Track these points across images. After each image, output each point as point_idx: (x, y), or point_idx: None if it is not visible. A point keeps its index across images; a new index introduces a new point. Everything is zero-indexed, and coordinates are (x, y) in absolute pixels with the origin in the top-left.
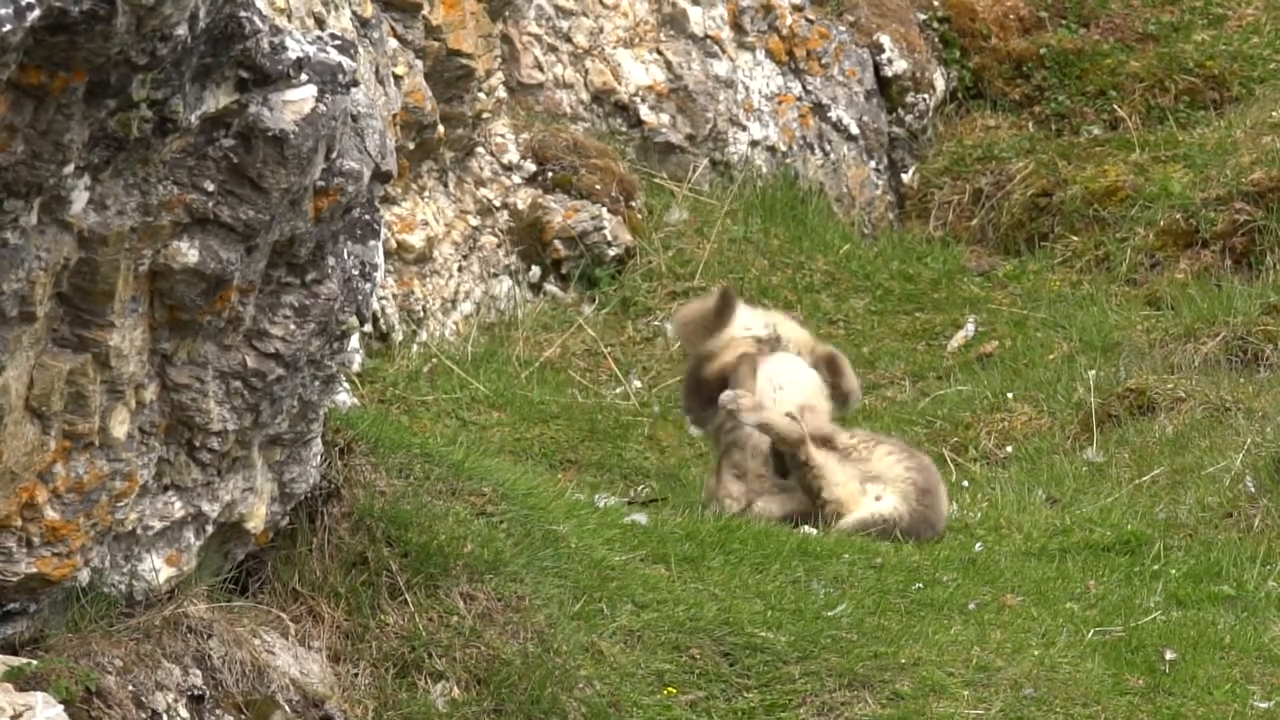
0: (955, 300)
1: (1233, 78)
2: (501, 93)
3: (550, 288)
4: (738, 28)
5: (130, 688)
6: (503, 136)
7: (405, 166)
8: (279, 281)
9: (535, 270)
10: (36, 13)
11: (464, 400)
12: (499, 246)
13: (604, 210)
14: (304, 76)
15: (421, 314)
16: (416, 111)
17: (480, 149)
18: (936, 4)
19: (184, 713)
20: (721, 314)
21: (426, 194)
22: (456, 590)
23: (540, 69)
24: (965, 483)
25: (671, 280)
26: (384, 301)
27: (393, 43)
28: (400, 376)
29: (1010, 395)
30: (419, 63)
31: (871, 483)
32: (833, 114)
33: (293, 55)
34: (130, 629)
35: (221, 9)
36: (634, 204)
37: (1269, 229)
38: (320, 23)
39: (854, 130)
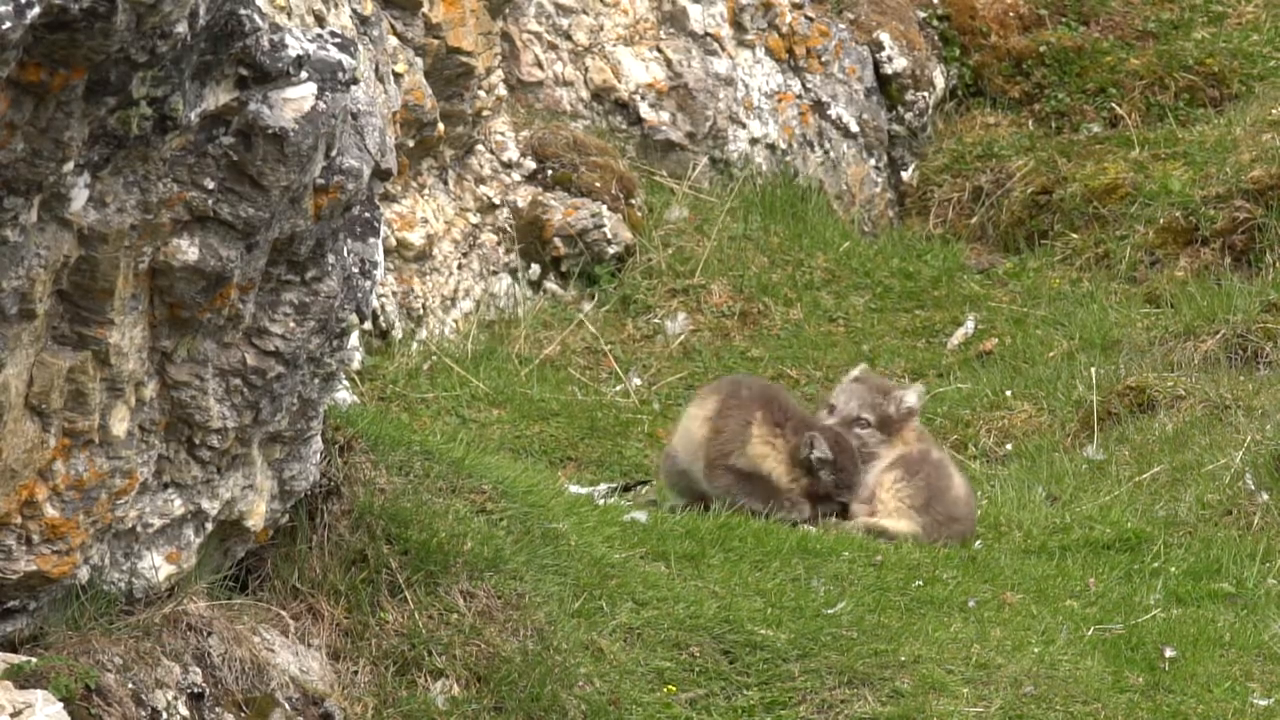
0: (955, 298)
1: (1232, 75)
2: (501, 90)
3: (550, 285)
4: (737, 25)
5: (130, 685)
6: (502, 134)
7: (405, 164)
8: (279, 279)
9: (535, 268)
10: (36, 10)
11: (464, 398)
12: (499, 244)
13: (604, 208)
14: (304, 74)
15: (421, 311)
16: (416, 109)
17: (480, 147)
18: (936, 1)
19: (184, 710)
20: None
21: (426, 192)
22: (456, 588)
23: (540, 66)
24: None
25: (671, 278)
26: (384, 299)
27: (392, 40)
28: (400, 374)
29: (1010, 393)
30: (419, 60)
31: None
32: (832, 111)
33: (293, 53)
34: (130, 627)
35: (221, 6)
36: (634, 202)
37: (1269, 227)
38: (320, 20)
39: (854, 128)
